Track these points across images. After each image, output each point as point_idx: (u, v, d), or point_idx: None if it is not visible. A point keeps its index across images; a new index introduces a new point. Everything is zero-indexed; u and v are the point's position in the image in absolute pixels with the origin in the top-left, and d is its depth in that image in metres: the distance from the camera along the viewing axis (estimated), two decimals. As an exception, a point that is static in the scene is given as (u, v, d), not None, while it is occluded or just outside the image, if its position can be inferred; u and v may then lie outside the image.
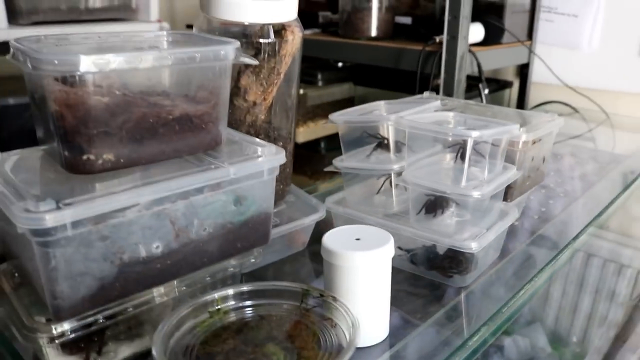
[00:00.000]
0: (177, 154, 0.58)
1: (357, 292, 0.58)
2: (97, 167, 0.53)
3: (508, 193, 0.82)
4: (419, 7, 1.75)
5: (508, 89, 1.90)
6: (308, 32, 1.85)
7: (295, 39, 0.72)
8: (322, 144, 1.81)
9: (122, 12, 1.56)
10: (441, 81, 1.47)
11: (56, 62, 0.47)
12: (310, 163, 1.78)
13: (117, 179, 0.53)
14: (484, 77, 1.54)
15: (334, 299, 0.53)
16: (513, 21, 1.65)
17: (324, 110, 1.85)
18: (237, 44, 0.59)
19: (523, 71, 1.86)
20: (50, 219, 0.45)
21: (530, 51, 1.77)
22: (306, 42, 1.84)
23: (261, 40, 0.69)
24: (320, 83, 1.81)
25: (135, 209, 0.50)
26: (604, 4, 1.70)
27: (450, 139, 0.71)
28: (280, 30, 0.70)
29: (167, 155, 0.57)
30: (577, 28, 1.77)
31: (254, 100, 0.74)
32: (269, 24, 0.69)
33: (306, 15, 1.94)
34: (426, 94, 1.00)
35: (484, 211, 0.76)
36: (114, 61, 0.50)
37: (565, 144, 1.56)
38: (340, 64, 1.96)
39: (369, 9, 1.62)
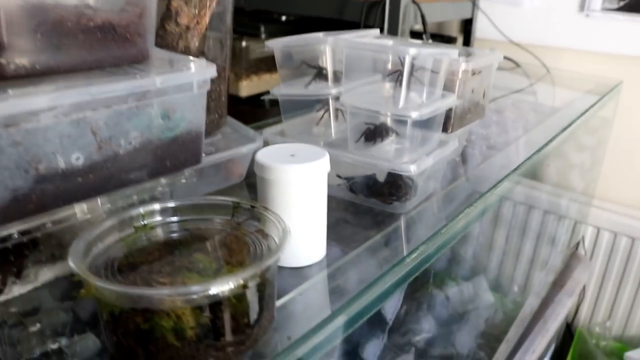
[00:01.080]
0: (100, 64, 0.55)
1: (291, 207, 0.57)
2: (10, 71, 0.49)
3: (448, 124, 0.82)
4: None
5: (452, 44, 1.91)
6: (251, -17, 1.80)
7: (227, -45, 0.69)
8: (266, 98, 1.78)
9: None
10: (385, 33, 1.46)
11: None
12: (254, 117, 1.74)
13: (32, 86, 0.49)
14: (428, 30, 1.53)
15: (265, 209, 0.51)
16: (458, -27, 1.65)
17: (267, 65, 1.81)
18: (162, -53, 0.55)
19: (467, 27, 1.86)
20: (-48, 117, 0.42)
21: (475, 5, 1.77)
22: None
23: (191, -45, 0.66)
24: (263, 36, 1.77)
25: (51, 114, 0.47)
26: (547, -40, 1.72)
27: (389, 57, 0.70)
28: (211, -55, 0.67)
29: (88, 64, 0.54)
30: (520, -16, 1.79)
31: (186, 24, 0.71)
32: (199, -62, 0.65)
33: (250, -34, 1.89)
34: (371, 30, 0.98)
35: (422, 140, 0.76)
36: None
37: (508, 98, 1.58)
38: (283, 18, 1.92)
39: (313, -43, 1.58)
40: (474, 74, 0.82)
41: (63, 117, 0.48)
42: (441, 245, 0.69)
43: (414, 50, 0.66)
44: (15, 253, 0.52)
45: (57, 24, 0.51)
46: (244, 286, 0.42)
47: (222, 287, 0.40)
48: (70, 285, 0.55)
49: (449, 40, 1.90)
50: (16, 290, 0.54)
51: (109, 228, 0.49)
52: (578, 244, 1.85)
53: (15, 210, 0.48)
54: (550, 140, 1.10)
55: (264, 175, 0.57)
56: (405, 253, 0.65)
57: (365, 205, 0.75)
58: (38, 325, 0.51)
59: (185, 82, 0.56)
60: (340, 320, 0.52)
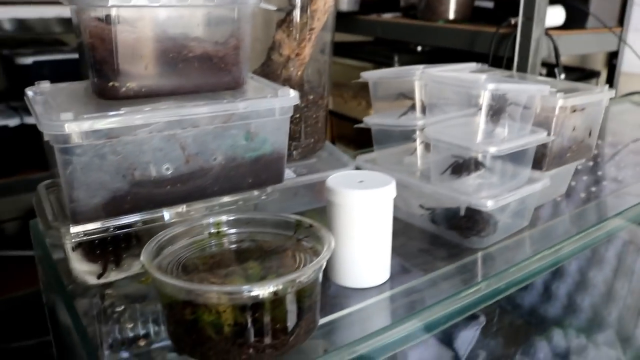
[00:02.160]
0: (197, 89, 0.63)
1: (354, 230, 0.61)
2: (121, 93, 0.59)
3: (542, 162, 0.81)
4: (503, -11, 1.71)
5: (594, 79, 1.82)
6: (388, 15, 1.87)
7: (326, -4, 0.75)
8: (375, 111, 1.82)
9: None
10: (514, 65, 1.44)
11: (87, -4, 0.54)
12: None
13: (137, 106, 0.59)
14: (562, 63, 1.48)
15: (320, 228, 0.55)
16: (600, 5, 1.58)
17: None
18: (257, -11, 0.63)
19: (612, 60, 1.77)
20: (68, 127, 0.51)
21: (620, 38, 1.67)
22: (385, 25, 1.87)
23: (292, -6, 0.73)
24: (397, 66, 1.82)
25: (146, 130, 0.56)
26: None
27: (471, 92, 0.71)
28: (312, -15, 0.74)
29: (186, 89, 0.62)
30: (676, 15, 1.66)
31: (288, 55, 0.78)
32: (300, -22, 0.72)
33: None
34: (474, 64, 0.99)
35: (510, 176, 0.75)
36: (141, 1, 0.56)
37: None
38: (419, 48, 1.96)
39: (448, -9, 1.61)
40: (574, 110, 0.80)
41: (157, 132, 0.57)
42: (515, 281, 0.68)
43: (492, 86, 0.67)
44: (113, 245, 0.62)
45: (162, 55, 0.60)
46: (282, 292, 0.47)
47: (260, 290, 0.45)
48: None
49: (590, 74, 1.81)
50: (113, 276, 0.63)
51: (182, 232, 0.56)
52: None
53: (113, 208, 0.58)
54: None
55: (331, 198, 0.61)
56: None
57: (445, 237, 0.76)
58: (129, 309, 0.60)
59: (268, 108, 0.62)
60: (383, 339, 0.55)
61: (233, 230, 0.59)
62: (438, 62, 1.97)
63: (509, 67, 1.44)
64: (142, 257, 0.50)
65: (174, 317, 0.48)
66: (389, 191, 0.61)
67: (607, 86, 0.86)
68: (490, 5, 1.69)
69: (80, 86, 0.67)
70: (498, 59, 1.46)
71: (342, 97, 2.07)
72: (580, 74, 1.78)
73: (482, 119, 0.69)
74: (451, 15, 1.66)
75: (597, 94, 0.83)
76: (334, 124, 2.15)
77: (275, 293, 0.46)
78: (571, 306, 1.35)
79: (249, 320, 0.46)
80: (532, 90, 0.72)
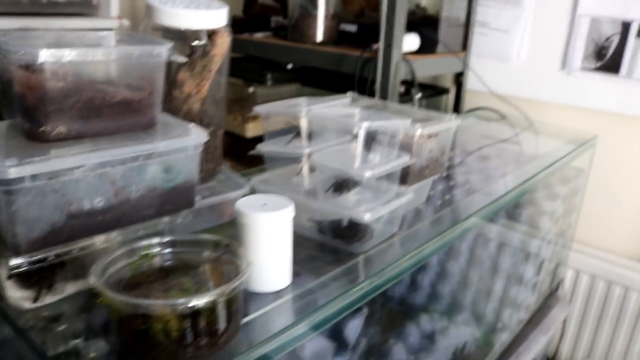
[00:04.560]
0: (119, 130, 0.72)
1: (260, 245, 0.73)
2: (52, 137, 0.67)
3: (407, 179, 0.98)
4: (364, 16, 1.90)
5: (445, 95, 2.08)
6: (260, 34, 1.98)
7: (224, 42, 0.86)
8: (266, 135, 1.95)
9: (83, 8, 1.65)
10: (377, 85, 1.63)
11: (21, 52, 0.61)
12: (259, 156, 1.92)
13: (67, 147, 0.67)
14: (418, 83, 1.70)
15: (238, 246, 0.67)
16: (448, 33, 1.82)
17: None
18: (170, 44, 0.73)
19: (458, 79, 2.03)
20: (13, 172, 0.59)
21: (464, 62, 1.94)
22: (257, 44, 1.99)
23: (195, 43, 0.83)
24: (269, 82, 1.95)
25: (82, 170, 0.64)
26: (531, 22, 1.89)
27: (349, 128, 0.86)
28: (211, 34, 0.85)
29: (110, 131, 0.71)
30: (507, 42, 1.96)
31: (188, 92, 0.89)
32: (202, 30, 0.83)
33: (260, 19, 2.09)
34: (349, 93, 1.15)
35: (382, 192, 0.92)
36: (68, 55, 0.64)
37: (494, 147, 1.74)
38: (289, 66, 2.10)
39: (315, 16, 1.75)
40: (430, 137, 0.99)
41: (90, 172, 0.65)
42: (391, 277, 0.84)
43: (366, 124, 0.83)
44: (48, 271, 0.69)
45: (88, 102, 0.68)
46: (215, 302, 0.58)
47: (198, 301, 0.56)
48: (89, 297, 0.71)
49: (441, 91, 2.07)
50: (47, 299, 0.70)
51: (120, 255, 0.65)
52: (558, 285, 1.98)
53: (52, 239, 0.65)
54: (515, 188, 1.25)
55: (241, 220, 0.73)
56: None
57: (331, 244, 0.91)
58: (62, 328, 0.67)
59: (183, 146, 0.73)
60: (299, 329, 0.68)
61: (161, 251, 0.69)
62: (307, 78, 2.11)
63: (372, 86, 1.63)
64: (92, 281, 0.58)
65: (125, 328, 0.58)
66: (289, 212, 0.75)
67: (454, 115, 1.06)
68: (353, 29, 1.87)
69: (1, 127, 0.73)
70: (363, 79, 1.65)
71: (218, 112, 2.15)
72: (433, 91, 2.02)
73: (358, 148, 0.84)
74: (319, 38, 1.81)
75: (448, 122, 1.02)
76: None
77: (210, 303, 0.57)
78: (434, 294, 1.57)
79: (190, 326, 0.57)
80: (397, 125, 0.89)
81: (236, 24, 2.11)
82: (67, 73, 0.66)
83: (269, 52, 1.88)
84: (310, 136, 0.93)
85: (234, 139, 1.93)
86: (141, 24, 0.86)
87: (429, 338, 1.37)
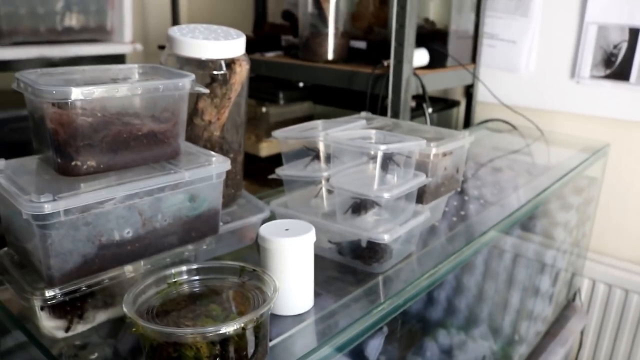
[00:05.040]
0: (145, 161, 0.75)
1: (284, 270, 0.75)
2: (83, 171, 0.69)
3: (423, 197, 1.00)
4: (373, 32, 1.93)
5: (456, 108, 2.09)
6: (271, 54, 2.01)
7: (242, 70, 0.89)
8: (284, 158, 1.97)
9: (97, 34, 1.69)
10: (389, 101, 1.65)
11: (54, 92, 0.64)
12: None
13: (97, 180, 0.69)
14: (429, 97, 1.72)
15: (263, 272, 0.69)
16: (457, 47, 1.84)
17: (285, 127, 2.01)
18: (193, 76, 0.76)
19: (469, 91, 2.05)
20: (48, 207, 0.61)
21: (473, 74, 1.96)
22: (269, 64, 2.02)
23: (214, 72, 0.86)
24: (282, 101, 1.97)
25: (112, 202, 0.67)
26: (539, 32, 1.91)
27: (368, 152, 0.88)
28: (230, 63, 0.87)
29: (137, 162, 0.74)
30: (515, 53, 1.97)
31: (209, 120, 0.91)
32: (221, 59, 0.86)
33: (270, 39, 2.12)
34: (363, 113, 1.17)
35: (399, 211, 0.94)
36: (97, 91, 0.67)
37: (505, 158, 1.76)
38: (301, 84, 2.13)
39: (326, 34, 1.78)
40: (444, 155, 1.00)
41: (120, 204, 0.68)
42: (410, 297, 0.86)
43: (383, 147, 0.85)
44: (79, 300, 0.71)
45: (116, 135, 0.71)
46: (244, 328, 0.60)
47: (228, 329, 0.58)
48: (118, 325, 0.73)
49: (452, 104, 2.08)
50: (79, 328, 0.72)
51: (150, 284, 0.67)
52: (575, 295, 1.98)
53: (84, 270, 0.68)
54: (532, 199, 1.27)
55: (264, 245, 0.75)
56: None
57: (351, 265, 0.93)
58: (93, 356, 0.70)
59: (207, 175, 0.75)
60: (323, 352, 0.70)
61: (188, 278, 0.71)
62: (319, 96, 2.13)
63: (383, 102, 1.65)
64: (125, 310, 0.61)
65: (157, 356, 0.60)
66: (311, 236, 0.77)
67: (467, 132, 1.07)
68: (363, 46, 1.90)
69: (31, 162, 0.76)
70: (374, 95, 1.67)
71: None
72: (444, 104, 2.04)
73: (377, 170, 0.86)
74: (330, 56, 1.84)
75: (461, 140, 1.04)
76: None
77: (239, 329, 0.59)
78: (451, 308, 1.58)
79: (220, 352, 0.59)
80: (413, 146, 0.90)
81: (247, 44, 2.14)
82: (95, 108, 0.68)
83: (280, 72, 1.91)
84: (327, 159, 0.96)
85: (248, 158, 1.95)
86: (162, 55, 0.89)
87: (447, 353, 1.38)
